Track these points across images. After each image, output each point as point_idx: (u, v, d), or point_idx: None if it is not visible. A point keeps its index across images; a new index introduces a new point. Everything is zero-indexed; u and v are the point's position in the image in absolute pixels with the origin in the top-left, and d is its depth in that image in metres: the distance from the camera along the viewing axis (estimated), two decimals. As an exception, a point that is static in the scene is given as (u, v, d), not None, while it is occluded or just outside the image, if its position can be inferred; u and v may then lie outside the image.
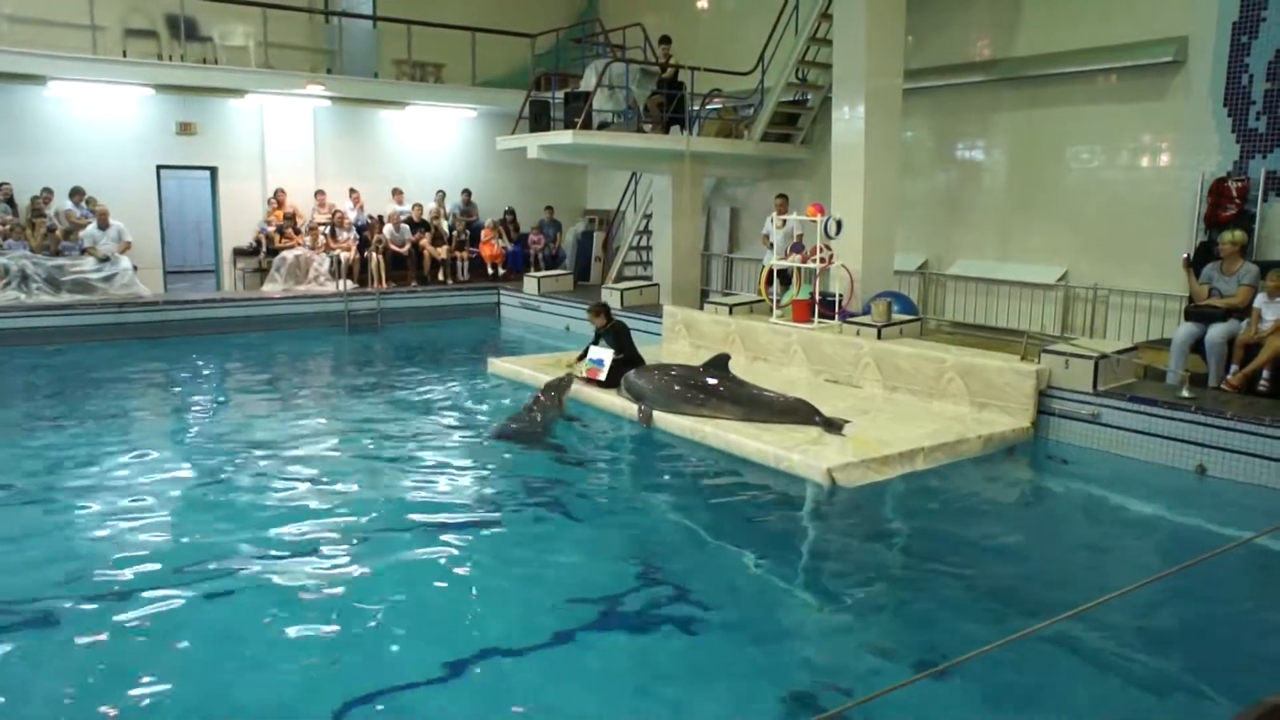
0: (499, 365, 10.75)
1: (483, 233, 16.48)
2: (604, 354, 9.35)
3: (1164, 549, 6.20)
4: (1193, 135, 9.55)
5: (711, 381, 8.37)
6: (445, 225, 16.25)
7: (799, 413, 7.96)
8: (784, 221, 11.09)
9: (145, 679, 4.10)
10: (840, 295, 10.58)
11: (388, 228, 15.51)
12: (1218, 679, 4.37)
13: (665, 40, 13.63)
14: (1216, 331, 8.01)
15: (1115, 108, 10.28)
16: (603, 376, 9.19)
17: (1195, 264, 8.65)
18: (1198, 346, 8.14)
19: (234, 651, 4.37)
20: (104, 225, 13.41)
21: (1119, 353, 8.20)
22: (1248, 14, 9.06)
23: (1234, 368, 7.87)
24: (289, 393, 10.22)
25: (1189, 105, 9.58)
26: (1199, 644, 4.77)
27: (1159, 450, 7.46)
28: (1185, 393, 7.53)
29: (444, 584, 5.17)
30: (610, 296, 13.09)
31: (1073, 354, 8.09)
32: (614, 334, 9.49)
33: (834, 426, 7.72)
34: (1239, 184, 8.98)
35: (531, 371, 10.11)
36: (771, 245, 11.74)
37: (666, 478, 7.43)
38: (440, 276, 15.87)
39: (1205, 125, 9.43)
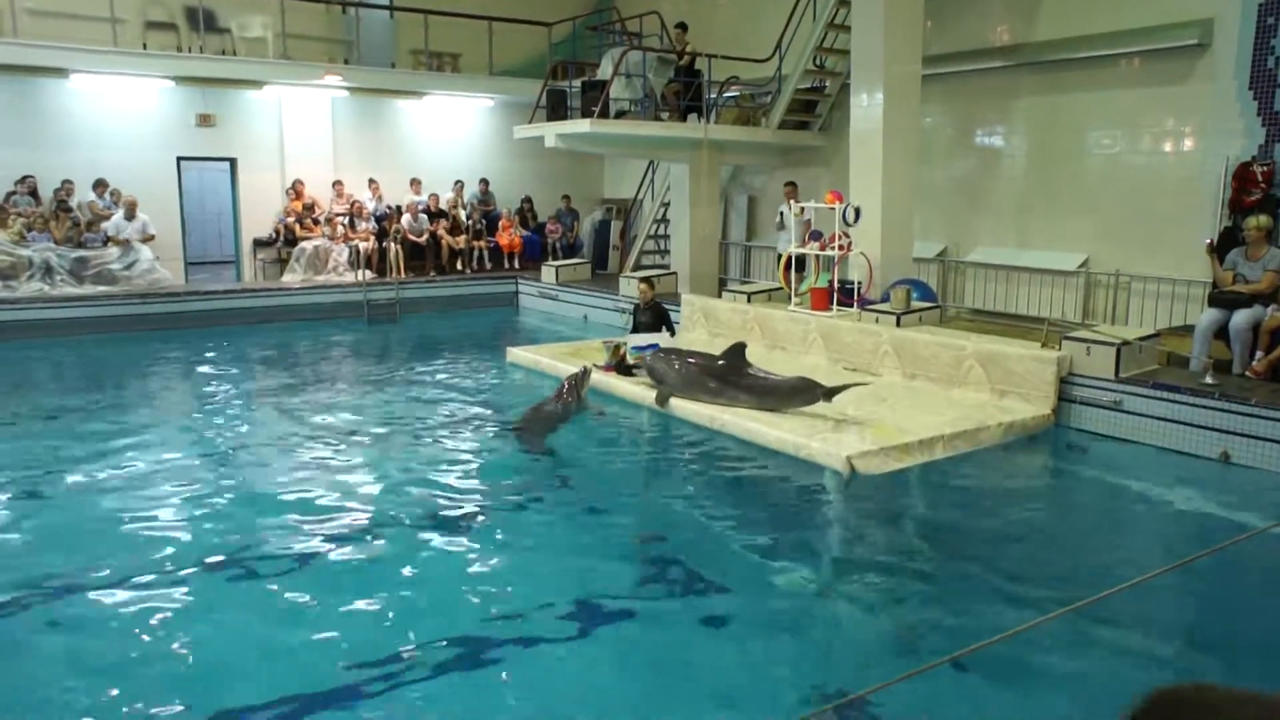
0: (517, 354, 10.78)
1: (500, 222, 16.51)
2: (655, 338, 9.37)
3: (1187, 536, 6.16)
4: (1217, 119, 9.43)
5: (725, 370, 8.34)
6: (463, 215, 16.29)
7: (803, 393, 7.94)
8: (803, 209, 11.05)
9: (166, 661, 4.17)
10: (859, 283, 10.54)
11: (406, 217, 15.56)
12: (1240, 666, 4.35)
13: (682, 27, 13.57)
14: (1241, 317, 7.93)
15: (1138, 92, 10.17)
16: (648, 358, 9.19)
17: (1219, 249, 8.55)
18: (1221, 333, 8.06)
19: (240, 635, 4.44)
20: (131, 216, 13.54)
21: (1141, 339, 8.14)
22: (1274, -5, 8.94)
23: (1259, 354, 7.79)
24: (308, 382, 10.28)
25: (1213, 89, 9.45)
26: (1221, 631, 4.75)
27: (1182, 437, 7.40)
28: (1209, 379, 7.47)
29: (458, 571, 5.20)
30: (629, 285, 13.08)
31: (1094, 341, 8.03)
32: (656, 312, 9.54)
33: (831, 394, 7.75)
34: (1264, 168, 8.86)
35: (550, 360, 10.14)
36: (783, 228, 11.95)
37: (686, 467, 7.44)
38: (458, 266, 15.92)
39: (1230, 109, 9.30)
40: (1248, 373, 7.76)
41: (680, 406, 8.31)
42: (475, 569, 5.24)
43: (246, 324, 13.41)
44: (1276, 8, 8.91)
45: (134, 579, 5.00)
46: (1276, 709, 1.08)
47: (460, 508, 6.16)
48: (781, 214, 12.37)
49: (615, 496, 6.57)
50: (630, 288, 12.72)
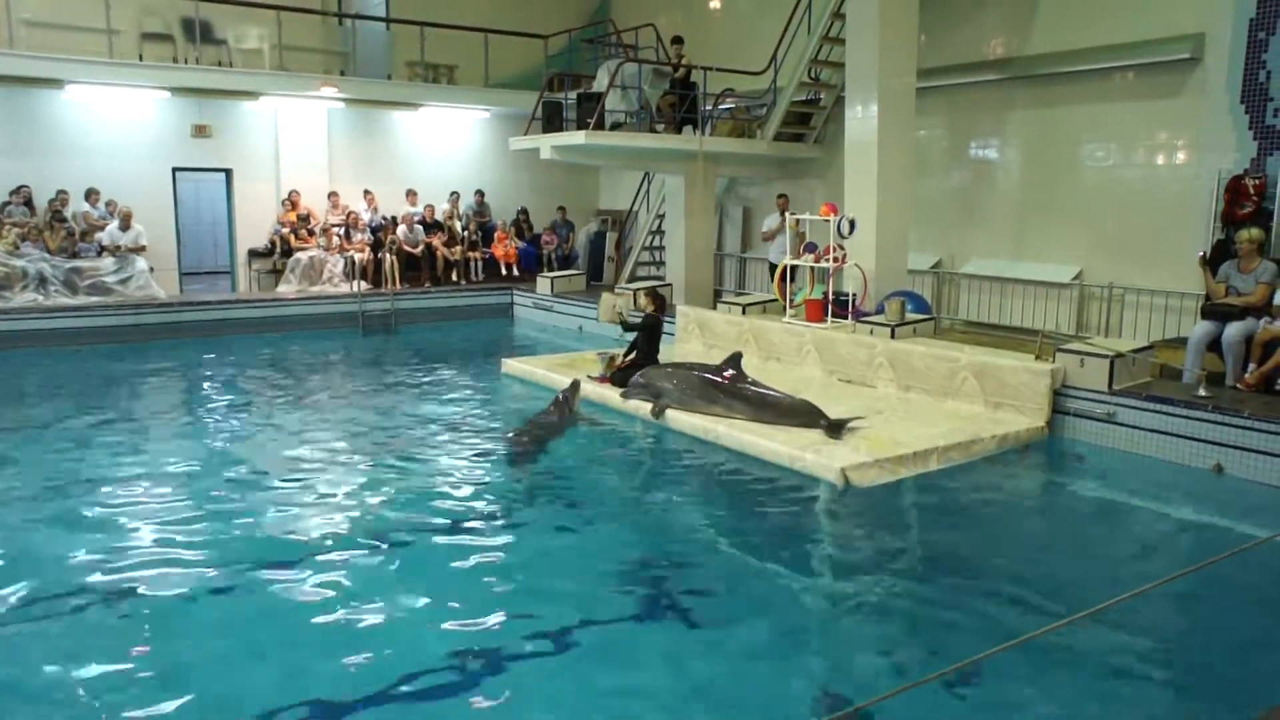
0: (512, 366, 10.77)
1: (496, 233, 16.53)
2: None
3: (1180, 549, 6.16)
4: (1209, 133, 9.49)
5: (723, 380, 8.35)
6: (458, 226, 16.30)
7: (804, 415, 7.91)
8: (798, 220, 11.08)
9: (159, 673, 4.15)
10: (854, 295, 10.55)
11: (401, 228, 15.56)
12: (1234, 681, 4.34)
13: (677, 40, 13.62)
14: (1233, 330, 7.96)
15: (1131, 105, 10.22)
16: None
17: (1212, 262, 8.58)
18: (1214, 345, 8.08)
19: (237, 648, 4.42)
20: (126, 227, 13.54)
21: (1135, 351, 8.16)
22: (1265, 10, 8.99)
23: (1251, 366, 7.82)
24: (304, 393, 10.27)
25: (1205, 102, 9.52)
26: (1215, 645, 4.73)
27: (1175, 449, 7.41)
28: (1202, 391, 7.49)
29: (454, 583, 5.19)
30: (624, 297, 13.08)
31: (1088, 353, 8.05)
32: (649, 323, 9.45)
33: (837, 429, 7.63)
34: (1256, 181, 8.91)
35: (545, 372, 10.13)
36: (771, 239, 12.35)
37: (680, 478, 7.44)
38: (454, 277, 15.91)
39: (1222, 122, 9.36)
40: (1240, 385, 7.78)
41: (675, 418, 8.31)
42: (464, 580, 5.21)
43: (241, 334, 13.39)
44: (1267, 23, 8.99)
45: (122, 591, 4.99)
46: None
47: (450, 521, 6.13)
48: (782, 226, 12.38)
49: (608, 509, 6.56)
50: (626, 300, 12.73)
